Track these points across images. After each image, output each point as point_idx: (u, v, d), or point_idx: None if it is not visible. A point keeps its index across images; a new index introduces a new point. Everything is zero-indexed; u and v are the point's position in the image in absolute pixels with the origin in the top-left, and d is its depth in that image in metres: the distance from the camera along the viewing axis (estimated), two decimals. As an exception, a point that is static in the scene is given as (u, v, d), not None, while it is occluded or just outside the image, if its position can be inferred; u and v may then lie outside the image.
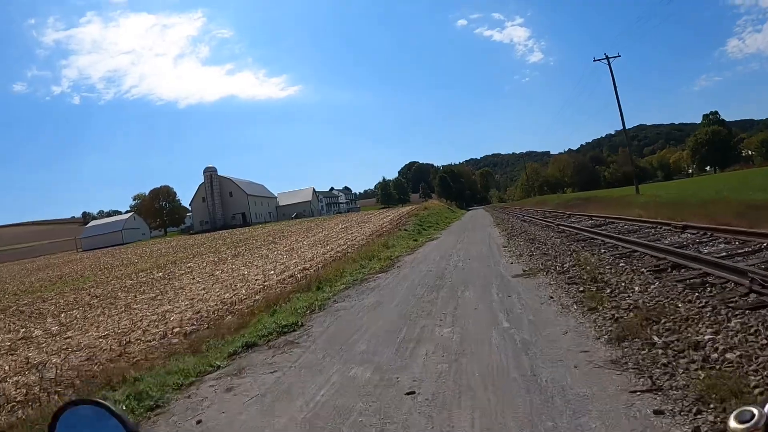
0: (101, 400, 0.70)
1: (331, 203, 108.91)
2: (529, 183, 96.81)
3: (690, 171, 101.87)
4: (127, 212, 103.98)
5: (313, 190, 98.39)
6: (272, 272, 14.12)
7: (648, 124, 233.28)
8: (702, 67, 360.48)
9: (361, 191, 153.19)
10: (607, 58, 30.64)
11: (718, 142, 79.37)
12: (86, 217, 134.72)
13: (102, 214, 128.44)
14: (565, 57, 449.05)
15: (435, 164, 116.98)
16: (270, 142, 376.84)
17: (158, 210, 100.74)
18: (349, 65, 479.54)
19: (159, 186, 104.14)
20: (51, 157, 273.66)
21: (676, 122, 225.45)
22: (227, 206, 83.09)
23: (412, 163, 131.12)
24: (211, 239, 42.82)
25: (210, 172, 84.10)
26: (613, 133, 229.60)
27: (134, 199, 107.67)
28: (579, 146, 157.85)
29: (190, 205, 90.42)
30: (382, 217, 37.80)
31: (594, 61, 30.94)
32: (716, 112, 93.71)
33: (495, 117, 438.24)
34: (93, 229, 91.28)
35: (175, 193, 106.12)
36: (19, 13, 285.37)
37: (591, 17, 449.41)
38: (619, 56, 30.72)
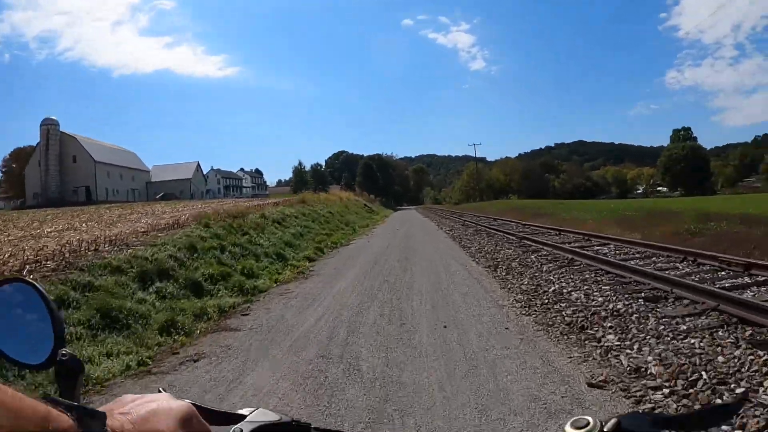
0: (27, 278, 0.70)
1: (231, 186, 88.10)
2: (471, 185, 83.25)
3: (641, 189, 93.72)
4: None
5: (198, 165, 75.63)
6: None
7: (588, 140, 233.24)
8: (641, 93, 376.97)
9: (286, 179, 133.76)
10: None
11: (693, 160, 68.73)
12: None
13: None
14: (507, 68, 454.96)
15: (366, 155, 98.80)
16: (199, 122, 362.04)
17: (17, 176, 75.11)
18: (292, 54, 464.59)
19: (23, 146, 77.76)
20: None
21: (615, 141, 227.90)
22: (68, 175, 58.98)
23: (340, 152, 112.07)
24: None
25: (48, 125, 58.40)
26: (552, 145, 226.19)
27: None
28: (517, 155, 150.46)
29: (24, 171, 64.19)
30: (184, 211, 19.79)
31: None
32: (689, 128, 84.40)
33: (433, 119, 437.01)
34: None
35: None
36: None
37: (537, 31, 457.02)
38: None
